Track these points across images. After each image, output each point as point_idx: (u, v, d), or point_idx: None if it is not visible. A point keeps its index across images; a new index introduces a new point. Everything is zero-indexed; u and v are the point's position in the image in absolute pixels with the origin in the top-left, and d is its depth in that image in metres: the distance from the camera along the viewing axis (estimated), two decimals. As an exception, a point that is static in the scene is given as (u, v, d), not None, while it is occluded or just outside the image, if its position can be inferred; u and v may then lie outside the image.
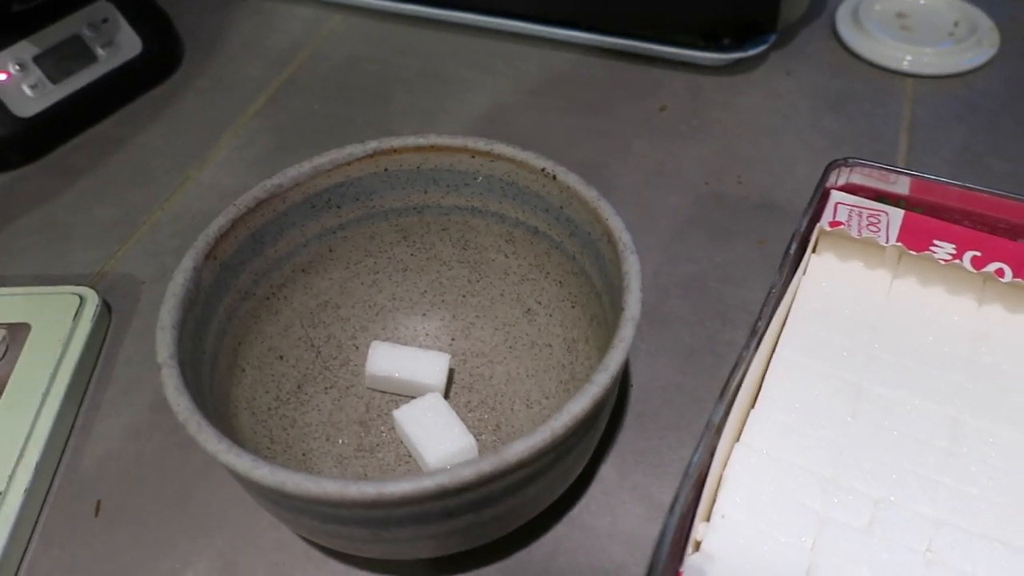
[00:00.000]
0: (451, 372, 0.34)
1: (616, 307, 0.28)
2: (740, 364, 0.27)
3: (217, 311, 0.29)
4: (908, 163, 0.44)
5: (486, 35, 0.55)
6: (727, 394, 0.26)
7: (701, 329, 0.37)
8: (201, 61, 0.54)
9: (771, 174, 0.44)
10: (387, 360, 0.33)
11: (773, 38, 0.49)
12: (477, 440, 0.31)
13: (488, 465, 0.22)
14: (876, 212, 0.32)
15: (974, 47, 0.50)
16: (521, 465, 0.23)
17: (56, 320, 0.37)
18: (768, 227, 0.42)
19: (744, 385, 0.28)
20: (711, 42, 0.50)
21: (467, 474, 0.22)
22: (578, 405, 0.23)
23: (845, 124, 0.47)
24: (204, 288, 0.28)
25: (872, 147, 0.45)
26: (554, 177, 0.30)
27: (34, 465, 0.32)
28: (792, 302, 0.31)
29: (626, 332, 0.25)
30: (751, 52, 0.49)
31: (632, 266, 0.27)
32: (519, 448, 0.23)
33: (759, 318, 0.28)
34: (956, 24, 0.52)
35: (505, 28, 0.53)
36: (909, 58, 0.50)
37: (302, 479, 0.22)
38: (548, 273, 0.33)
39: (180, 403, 0.24)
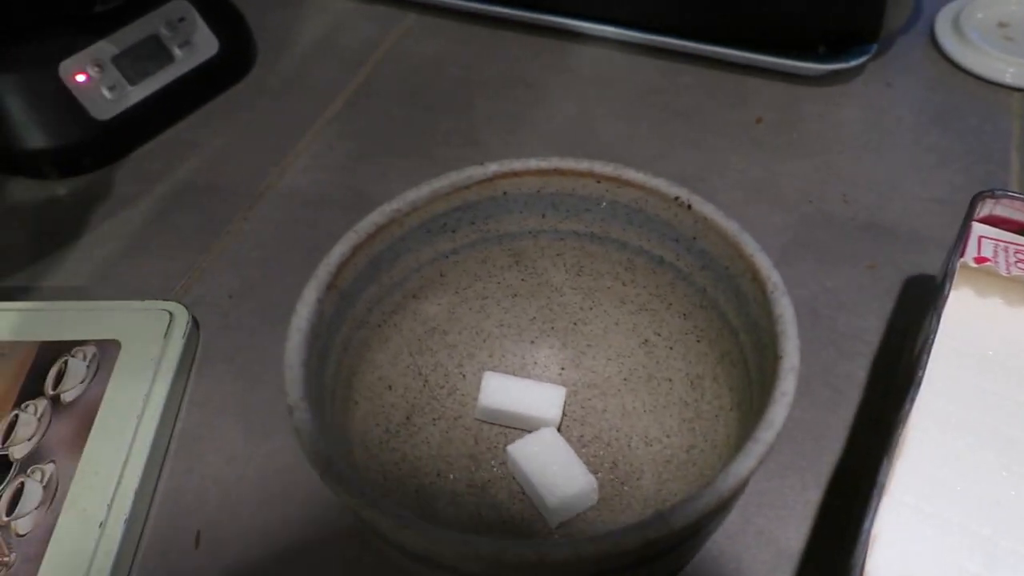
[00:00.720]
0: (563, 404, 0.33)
1: (761, 349, 0.26)
2: (903, 419, 0.25)
3: (335, 343, 0.28)
4: (1022, 183, 0.42)
5: (572, 39, 0.53)
6: (892, 450, 0.24)
7: (815, 360, 0.36)
8: (273, 62, 0.52)
9: (877, 193, 0.42)
10: (501, 392, 0.31)
11: (875, 48, 0.47)
12: (594, 478, 0.30)
13: (654, 532, 0.21)
14: (1024, 248, 0.30)
15: (1083, 60, 0.48)
16: (685, 530, 0.21)
17: (147, 337, 0.35)
18: (878, 250, 0.40)
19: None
20: (807, 51, 0.48)
21: (631, 540, 0.21)
22: (743, 466, 0.22)
23: (952, 140, 0.45)
24: (325, 320, 0.27)
25: (982, 166, 0.43)
26: (689, 206, 0.29)
27: (133, 493, 0.31)
28: (932, 343, 0.30)
29: (789, 385, 0.23)
30: (852, 63, 0.47)
31: (787, 309, 0.25)
32: (686, 512, 0.21)
33: (919, 367, 0.27)
34: (1063, 35, 0.50)
35: (592, 32, 0.51)
36: (1012, 70, 0.48)
37: (456, 540, 0.21)
38: (671, 304, 0.31)
39: (317, 452, 0.23)
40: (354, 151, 0.46)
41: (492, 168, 0.30)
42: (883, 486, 0.24)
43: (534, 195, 0.30)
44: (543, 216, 0.31)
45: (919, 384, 0.26)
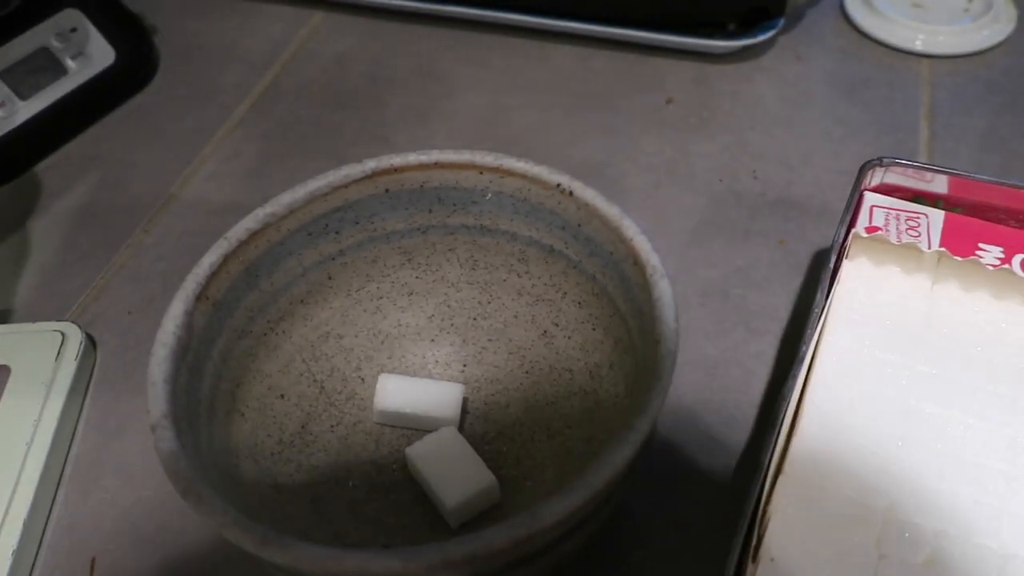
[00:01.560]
0: (465, 401, 0.32)
1: (645, 334, 0.25)
2: (786, 394, 0.25)
3: (211, 355, 0.27)
4: (931, 151, 0.42)
5: (480, 29, 0.52)
6: (776, 426, 0.24)
7: (725, 340, 0.35)
8: (177, 68, 0.51)
9: (788, 167, 0.42)
10: (396, 394, 0.31)
11: (781, 23, 0.47)
12: (497, 475, 0.29)
13: (525, 530, 0.20)
14: (915, 215, 0.30)
15: (991, 24, 0.48)
16: (558, 525, 0.21)
17: (37, 361, 0.34)
18: (788, 226, 0.39)
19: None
20: (716, 29, 0.48)
21: (500, 541, 0.20)
22: (619, 455, 0.21)
23: (861, 111, 0.45)
24: (196, 332, 0.26)
25: (891, 135, 0.43)
26: (571, 193, 0.28)
27: (22, 523, 0.30)
28: (826, 314, 0.29)
29: (664, 370, 0.23)
30: (760, 38, 0.46)
31: (664, 292, 0.25)
32: (556, 508, 0.20)
33: (803, 341, 0.26)
34: (970, 0, 0.50)
35: (499, 21, 0.51)
36: (922, 37, 0.48)
37: (319, 553, 0.20)
38: (566, 293, 0.31)
39: (177, 471, 0.22)
40: (262, 155, 0.45)
41: (370, 165, 0.29)
42: (763, 464, 0.23)
43: (417, 190, 0.30)
44: (430, 211, 0.30)
45: (802, 360, 0.26)
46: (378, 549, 0.20)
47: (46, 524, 0.31)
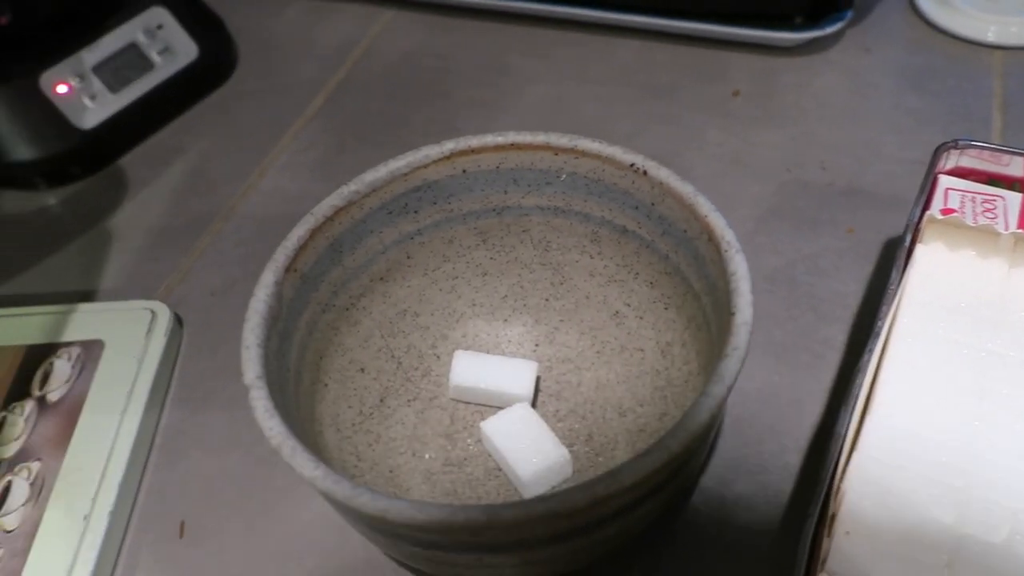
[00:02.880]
0: (537, 380, 0.33)
1: (720, 309, 0.26)
2: (862, 369, 0.25)
3: (299, 325, 0.28)
4: (1005, 141, 0.42)
5: (545, 24, 0.53)
6: (851, 401, 0.24)
7: (793, 326, 0.35)
8: (255, 64, 0.53)
9: (856, 158, 0.42)
10: (472, 370, 0.31)
11: (850, 15, 0.47)
12: (569, 451, 0.30)
13: (603, 488, 0.21)
14: (991, 197, 0.30)
15: (1066, 14, 0.47)
16: (636, 486, 0.21)
17: (129, 336, 0.36)
18: (857, 215, 0.39)
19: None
20: (782, 22, 0.48)
21: (580, 498, 0.21)
22: (694, 420, 0.22)
23: (931, 102, 0.44)
24: (285, 302, 0.27)
25: (963, 126, 0.43)
26: (645, 173, 0.29)
27: (117, 485, 0.31)
28: (900, 297, 0.29)
29: (740, 340, 0.23)
30: (827, 30, 0.46)
31: (739, 266, 0.25)
32: (634, 469, 0.21)
33: (878, 317, 0.26)
34: (1044, -10, 0.49)
35: (564, 16, 0.51)
36: (994, 28, 0.47)
37: (406, 506, 0.21)
38: (638, 274, 0.31)
39: (272, 426, 0.23)
40: (335, 146, 0.47)
41: (449, 146, 0.30)
42: (840, 436, 0.24)
43: (494, 171, 0.31)
44: (505, 192, 0.31)
45: (877, 334, 0.26)
46: (462, 504, 0.21)
47: (138, 488, 0.32)
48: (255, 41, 0.54)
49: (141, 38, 0.47)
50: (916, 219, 0.29)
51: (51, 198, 0.45)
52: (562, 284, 0.33)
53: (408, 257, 0.32)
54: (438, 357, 0.33)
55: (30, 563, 0.29)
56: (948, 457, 0.26)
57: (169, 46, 0.48)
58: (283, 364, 0.26)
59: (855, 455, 0.26)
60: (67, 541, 0.30)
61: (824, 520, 0.24)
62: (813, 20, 0.47)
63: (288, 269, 0.27)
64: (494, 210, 0.32)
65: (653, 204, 0.29)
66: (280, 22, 0.56)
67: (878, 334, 0.26)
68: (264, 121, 0.49)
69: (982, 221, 0.29)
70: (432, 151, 0.30)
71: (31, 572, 0.29)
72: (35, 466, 0.32)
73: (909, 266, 0.30)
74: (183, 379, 0.36)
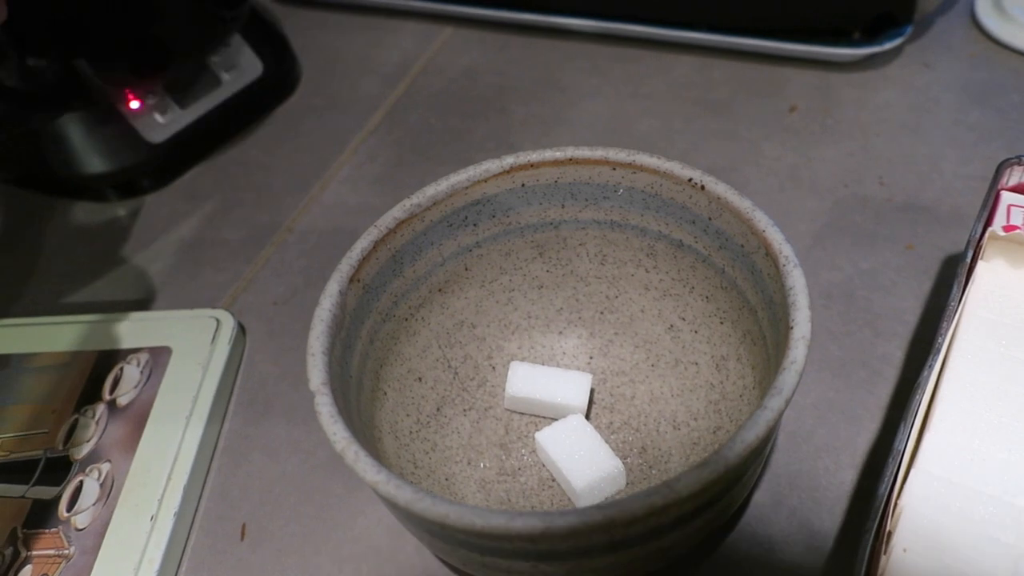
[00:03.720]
0: (591, 392, 0.33)
1: (777, 323, 0.26)
2: (922, 385, 0.25)
3: (360, 334, 0.29)
4: (1070, 157, 0.41)
5: (601, 41, 0.53)
6: (910, 417, 0.24)
7: (850, 341, 0.35)
8: (317, 80, 0.54)
9: (916, 174, 0.42)
10: (527, 381, 0.32)
11: (909, 30, 0.47)
12: (623, 463, 0.30)
13: (660, 498, 0.21)
14: (1056, 214, 0.29)
15: None
16: (693, 497, 0.22)
17: (195, 343, 0.37)
18: (916, 231, 0.39)
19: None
20: (841, 37, 0.47)
21: (637, 507, 0.21)
22: (752, 433, 0.22)
23: (994, 118, 0.44)
24: (348, 312, 0.28)
25: (1026, 142, 0.42)
26: (702, 187, 0.29)
27: (182, 488, 0.32)
28: (960, 314, 0.29)
29: (798, 354, 0.23)
30: (886, 46, 0.46)
31: (797, 281, 0.25)
32: (692, 479, 0.21)
33: (938, 333, 0.26)
34: (1113, 5, 0.49)
35: (620, 33, 0.52)
36: (1060, 44, 0.47)
37: (466, 512, 0.21)
38: (693, 288, 0.31)
39: (337, 431, 0.24)
40: (394, 161, 0.48)
41: (508, 161, 0.31)
42: (899, 452, 0.24)
43: (552, 185, 0.31)
44: (563, 206, 0.32)
45: (938, 350, 0.26)
46: (520, 511, 0.21)
47: (202, 491, 0.34)
48: (318, 58, 0.56)
49: (211, 56, 0.48)
50: (978, 235, 0.29)
51: (121, 209, 0.47)
52: (617, 297, 0.33)
53: (466, 269, 0.32)
54: (493, 368, 0.34)
55: (100, 560, 0.31)
56: (1009, 475, 0.25)
57: (236, 63, 0.49)
58: (345, 372, 0.27)
59: (913, 471, 0.26)
60: (135, 540, 0.31)
61: (880, 537, 0.24)
62: (871, 36, 0.47)
63: (352, 279, 0.28)
64: (551, 224, 0.32)
65: (710, 219, 0.29)
66: (343, 40, 0.58)
67: (938, 350, 0.26)
68: (326, 136, 0.50)
69: (1047, 238, 0.29)
70: (492, 165, 0.30)
71: (101, 569, 0.30)
72: (105, 467, 0.33)
73: (970, 283, 0.29)
74: (245, 385, 0.37)
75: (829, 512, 0.30)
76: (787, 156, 0.44)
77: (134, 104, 0.46)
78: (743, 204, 0.28)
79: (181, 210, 0.46)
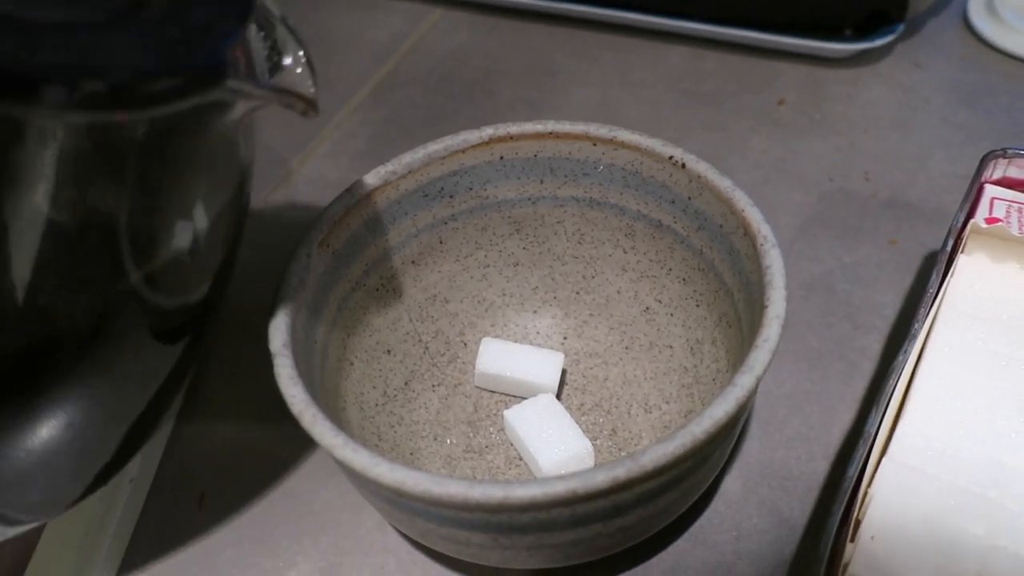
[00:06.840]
0: (563, 373, 0.32)
1: (753, 305, 0.25)
2: (896, 369, 0.24)
3: (328, 301, 0.28)
4: (1056, 160, 0.41)
5: (593, 27, 0.53)
6: (882, 401, 0.24)
7: (829, 333, 0.35)
8: (304, 56, 0.54)
9: (901, 171, 0.41)
10: (498, 358, 0.31)
11: (901, 28, 0.46)
12: (592, 445, 0.30)
13: (624, 471, 0.21)
14: (1039, 208, 0.29)
15: None
16: (659, 472, 0.21)
17: (163, 309, 0.36)
18: (900, 226, 0.39)
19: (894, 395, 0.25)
20: (832, 33, 0.47)
21: (600, 479, 0.20)
22: (720, 409, 0.21)
23: (982, 118, 0.44)
24: (317, 277, 0.27)
25: (1013, 143, 0.42)
26: (683, 166, 0.28)
27: (139, 454, 0.31)
28: (939, 306, 0.29)
29: (771, 332, 0.23)
30: (877, 43, 0.46)
31: (774, 260, 0.25)
32: (658, 453, 0.21)
33: (915, 320, 0.26)
34: (1105, 12, 0.48)
35: (612, 20, 0.51)
36: (1051, 49, 0.46)
37: (423, 478, 0.21)
38: (671, 270, 0.31)
39: (295, 394, 0.23)
40: (377, 138, 0.47)
41: (488, 132, 0.30)
42: (869, 437, 0.23)
43: (531, 159, 0.31)
44: (541, 182, 0.31)
45: (914, 337, 0.25)
46: (480, 480, 0.21)
47: (162, 459, 0.33)
48: (307, 35, 0.55)
49: (193, 24, 0.48)
50: (959, 224, 0.28)
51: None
52: (594, 278, 0.33)
53: (441, 242, 0.32)
54: (465, 344, 0.33)
55: (48, 530, 0.30)
56: (981, 468, 0.25)
57: (220, 33, 0.49)
58: (310, 337, 0.26)
59: (885, 460, 0.25)
60: (86, 508, 0.30)
61: (847, 523, 0.23)
62: (863, 32, 0.47)
63: (321, 243, 0.27)
64: (529, 199, 0.32)
65: (690, 198, 0.28)
66: (331, 17, 0.57)
67: (914, 336, 0.25)
68: (308, 111, 0.49)
69: (1028, 232, 0.28)
70: (471, 136, 0.30)
71: (52, 533, 0.30)
72: (64, 430, 0.32)
73: (950, 275, 0.29)
74: (210, 353, 0.36)
75: (800, 501, 0.30)
76: (774, 149, 0.43)
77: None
78: (723, 183, 0.27)
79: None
